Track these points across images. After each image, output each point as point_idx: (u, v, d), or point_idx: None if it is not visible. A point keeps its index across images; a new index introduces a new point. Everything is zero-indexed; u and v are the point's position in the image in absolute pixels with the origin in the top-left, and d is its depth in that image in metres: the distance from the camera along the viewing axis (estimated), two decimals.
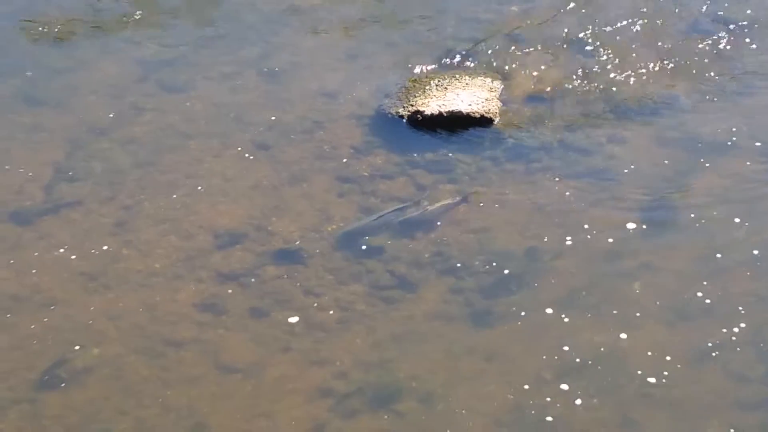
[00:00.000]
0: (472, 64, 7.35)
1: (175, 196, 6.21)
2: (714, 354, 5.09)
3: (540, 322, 5.29)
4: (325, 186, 6.28)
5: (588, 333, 5.21)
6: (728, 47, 7.47)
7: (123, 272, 5.67)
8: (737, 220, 5.87)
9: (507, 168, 6.37)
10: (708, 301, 5.36)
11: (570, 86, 7.10)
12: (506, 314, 5.34)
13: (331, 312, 5.40)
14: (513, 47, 7.53)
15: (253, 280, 5.60)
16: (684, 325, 5.27)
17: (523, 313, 5.33)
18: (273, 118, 6.88)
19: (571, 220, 5.91)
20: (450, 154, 6.49)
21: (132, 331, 5.32)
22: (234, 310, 5.43)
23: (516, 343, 5.19)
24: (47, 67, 7.48)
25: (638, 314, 5.31)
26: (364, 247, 5.77)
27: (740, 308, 5.31)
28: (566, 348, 5.12)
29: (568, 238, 5.77)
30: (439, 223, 5.94)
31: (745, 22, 7.72)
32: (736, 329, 5.19)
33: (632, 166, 6.33)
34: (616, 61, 7.34)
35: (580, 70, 7.25)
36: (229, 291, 5.54)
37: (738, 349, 5.10)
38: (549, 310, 5.33)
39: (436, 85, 6.98)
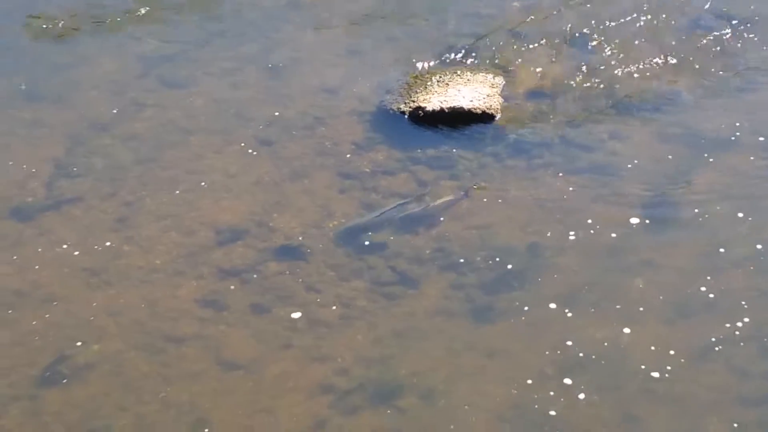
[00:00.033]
0: (473, 60, 7.33)
1: (176, 192, 6.20)
2: (716, 350, 5.07)
3: (542, 318, 5.27)
4: (326, 182, 6.27)
5: (590, 329, 5.19)
6: (731, 43, 7.46)
7: (124, 268, 5.66)
8: (740, 215, 5.86)
9: (508, 164, 6.36)
10: (710, 297, 5.35)
11: (572, 82, 7.08)
12: (508, 310, 5.33)
13: (333, 308, 5.39)
14: (515, 43, 7.52)
15: (254, 276, 5.59)
16: (686, 321, 5.25)
17: (524, 309, 5.32)
18: (275, 114, 6.87)
19: (572, 216, 5.90)
20: (451, 150, 6.48)
21: (133, 327, 5.31)
22: (235, 306, 5.43)
23: (517, 339, 5.18)
24: (48, 62, 7.47)
25: (640, 311, 5.29)
26: (365, 243, 5.76)
27: (743, 304, 5.29)
28: (568, 344, 5.10)
29: (570, 234, 5.76)
30: (441, 219, 5.92)
31: (748, 18, 7.70)
32: (739, 325, 5.18)
33: (635, 162, 6.32)
34: (618, 57, 7.33)
35: (582, 66, 7.24)
36: (231, 287, 5.54)
37: (740, 344, 5.09)
38: (550, 306, 5.32)
39: (438, 81, 6.96)
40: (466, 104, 6.72)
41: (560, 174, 6.24)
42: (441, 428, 4.77)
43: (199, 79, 7.26)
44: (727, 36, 7.50)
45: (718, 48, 7.39)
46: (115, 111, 6.93)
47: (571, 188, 6.12)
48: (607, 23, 7.67)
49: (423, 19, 7.90)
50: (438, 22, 7.81)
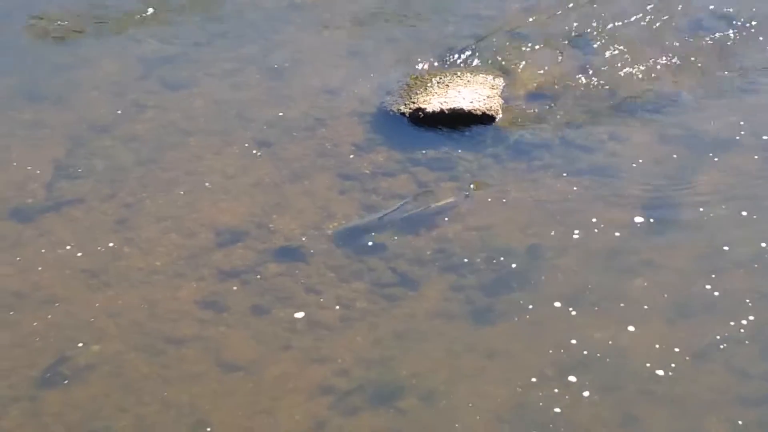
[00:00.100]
0: (474, 62, 7.33)
1: (176, 193, 6.20)
2: (717, 350, 5.07)
3: (542, 320, 5.27)
4: (326, 183, 6.27)
5: (590, 330, 5.18)
6: (733, 44, 7.45)
7: (124, 270, 5.66)
8: (742, 215, 5.85)
9: (509, 165, 6.35)
10: (712, 296, 5.34)
11: (572, 83, 7.08)
12: (508, 311, 5.32)
13: (333, 309, 5.38)
14: (515, 44, 7.52)
15: (254, 277, 5.59)
16: (687, 322, 5.25)
17: (525, 310, 5.31)
18: (276, 115, 6.87)
19: (573, 217, 5.89)
20: (452, 152, 6.47)
21: (133, 328, 5.31)
22: (235, 307, 5.42)
23: (518, 340, 5.18)
24: (49, 63, 7.48)
25: (641, 312, 5.28)
26: (366, 244, 5.76)
27: (744, 305, 5.28)
28: (568, 345, 5.10)
29: (571, 235, 5.75)
30: (443, 220, 5.92)
31: (750, 19, 7.69)
32: (741, 324, 5.17)
33: (636, 163, 6.31)
34: (619, 58, 7.32)
35: (583, 67, 7.23)
36: (231, 288, 5.53)
37: (742, 345, 5.08)
38: (551, 308, 5.31)
39: (438, 83, 6.96)
40: (467, 105, 6.72)
41: (561, 175, 6.23)
42: (441, 429, 4.76)
43: (200, 80, 7.26)
44: (729, 37, 7.49)
45: (720, 49, 7.38)
46: (115, 112, 6.93)
47: (572, 189, 6.11)
48: (608, 24, 7.67)
49: (423, 20, 7.90)
50: (438, 24, 7.81)
